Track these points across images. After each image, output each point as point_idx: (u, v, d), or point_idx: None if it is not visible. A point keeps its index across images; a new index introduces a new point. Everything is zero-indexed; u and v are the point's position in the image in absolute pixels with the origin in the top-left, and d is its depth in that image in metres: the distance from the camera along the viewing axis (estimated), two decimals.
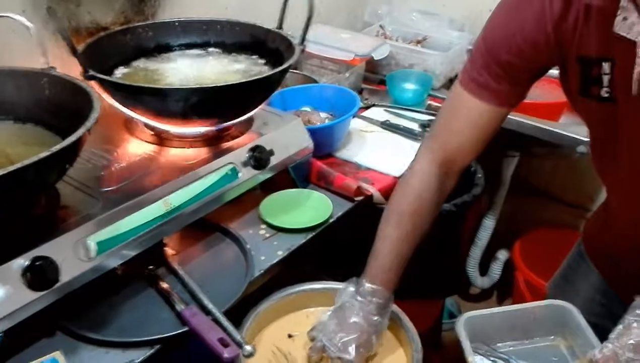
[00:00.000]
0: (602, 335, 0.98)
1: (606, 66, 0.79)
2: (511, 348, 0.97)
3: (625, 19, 0.73)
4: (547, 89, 1.86)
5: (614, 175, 0.94)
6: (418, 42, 1.92)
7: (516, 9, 0.86)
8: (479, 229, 2.08)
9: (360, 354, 0.92)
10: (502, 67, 0.88)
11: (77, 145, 0.81)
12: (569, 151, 1.62)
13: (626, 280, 1.00)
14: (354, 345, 0.91)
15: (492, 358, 0.94)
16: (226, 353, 0.84)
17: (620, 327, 0.79)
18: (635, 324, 0.77)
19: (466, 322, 0.95)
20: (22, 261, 0.80)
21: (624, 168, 0.88)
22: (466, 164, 0.99)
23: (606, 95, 0.81)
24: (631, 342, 0.76)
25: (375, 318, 0.94)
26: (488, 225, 2.06)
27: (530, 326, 0.98)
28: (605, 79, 0.80)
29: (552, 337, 0.99)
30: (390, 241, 0.97)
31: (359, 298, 0.95)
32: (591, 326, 1.04)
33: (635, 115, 0.79)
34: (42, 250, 0.82)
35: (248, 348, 0.87)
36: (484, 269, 2.18)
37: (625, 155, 0.86)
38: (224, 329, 0.89)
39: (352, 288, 0.97)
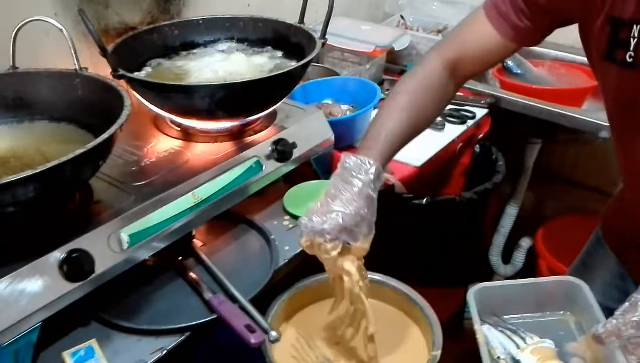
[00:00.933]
0: None
1: (636, 29, 0.79)
2: (520, 320, 0.98)
3: None
4: (569, 75, 1.86)
5: (630, 150, 0.94)
6: (439, 31, 1.93)
7: None
8: (501, 217, 2.08)
9: (362, 233, 0.87)
10: (527, 2, 0.90)
11: (109, 142, 0.85)
12: (592, 137, 1.63)
13: None
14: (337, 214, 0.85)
15: (500, 329, 0.94)
16: (253, 339, 0.88)
17: (626, 304, 0.80)
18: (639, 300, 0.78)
19: (477, 293, 0.96)
20: (59, 254, 0.84)
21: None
22: (468, 76, 1.02)
23: (630, 60, 0.80)
24: (635, 319, 0.77)
25: (374, 194, 0.88)
26: (511, 212, 2.07)
27: (540, 300, 0.99)
28: (633, 42, 0.79)
29: (562, 312, 0.99)
30: (394, 123, 0.95)
31: (355, 174, 0.87)
32: (609, 311, 1.05)
33: None
34: (78, 243, 0.87)
35: (274, 334, 0.90)
36: (506, 257, 2.19)
37: None
38: (251, 316, 0.93)
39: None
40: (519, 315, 0.99)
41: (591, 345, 0.84)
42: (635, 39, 0.79)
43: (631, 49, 0.80)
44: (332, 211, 0.85)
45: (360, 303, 0.92)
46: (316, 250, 0.88)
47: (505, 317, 0.97)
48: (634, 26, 0.79)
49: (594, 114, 1.64)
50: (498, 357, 0.90)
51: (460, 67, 1.00)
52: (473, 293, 0.96)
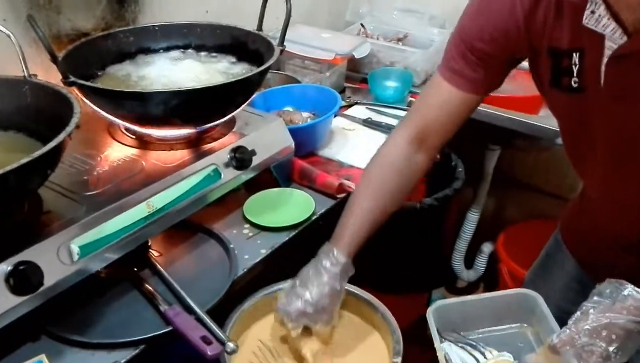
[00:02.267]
0: None
1: (576, 57, 0.81)
2: (480, 335, 0.99)
3: (593, 12, 0.75)
4: (525, 83, 1.89)
5: (587, 165, 0.96)
6: (399, 39, 1.94)
7: (489, 1, 0.89)
8: (463, 222, 2.10)
9: (322, 320, 0.97)
10: (476, 55, 0.92)
11: (57, 150, 0.82)
12: (549, 143, 1.65)
13: (601, 267, 1.02)
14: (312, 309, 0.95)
15: (460, 345, 0.95)
16: (209, 351, 0.86)
17: (578, 313, 0.82)
18: (592, 310, 0.79)
19: (436, 310, 0.97)
20: (5, 266, 0.81)
21: (595, 158, 0.90)
22: (438, 144, 1.03)
23: (575, 85, 0.83)
24: (587, 327, 0.78)
25: (338, 286, 0.97)
26: (472, 218, 2.09)
27: (499, 313, 1.00)
28: (575, 69, 0.82)
29: (520, 324, 1.01)
30: (361, 209, 1.00)
31: (323, 264, 0.97)
32: (567, 313, 1.07)
33: (603, 105, 0.82)
34: (25, 255, 0.84)
35: (231, 345, 0.88)
36: (469, 262, 2.21)
37: (597, 145, 0.88)
38: (207, 328, 0.91)
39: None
40: (479, 330, 1.00)
41: (549, 355, 0.85)
42: (577, 66, 0.82)
43: (574, 75, 0.82)
44: (298, 297, 0.95)
45: None
46: (284, 329, 0.99)
47: (465, 332, 0.99)
48: (573, 54, 0.81)
49: (550, 120, 1.66)
50: None
51: (429, 138, 1.01)
52: (432, 311, 0.97)
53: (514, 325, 1.01)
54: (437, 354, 0.92)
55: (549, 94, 0.91)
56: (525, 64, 1.92)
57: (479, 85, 0.95)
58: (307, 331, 0.99)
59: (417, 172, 1.04)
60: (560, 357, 0.82)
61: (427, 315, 0.97)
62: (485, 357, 0.92)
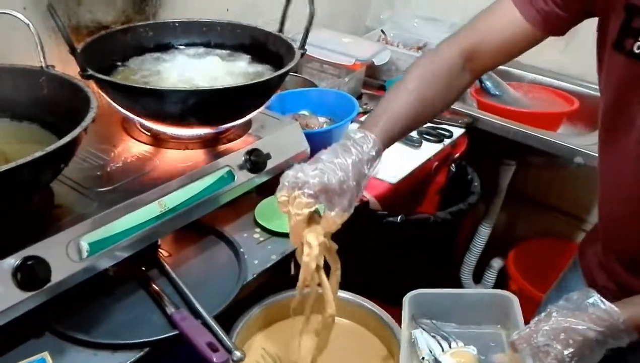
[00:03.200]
0: None
1: None
2: (456, 330, 1.00)
3: None
4: (546, 99, 1.87)
5: (617, 156, 0.92)
6: (419, 48, 1.92)
7: None
8: (474, 236, 2.08)
9: (340, 204, 0.83)
10: None
11: (72, 144, 0.80)
12: (566, 162, 1.63)
13: (612, 290, 1.00)
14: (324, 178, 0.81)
15: (432, 334, 0.96)
16: (215, 358, 0.84)
17: (542, 314, 0.81)
18: (555, 313, 0.78)
19: (414, 297, 0.99)
20: (13, 260, 0.79)
21: (629, 146, 0.86)
22: (481, 69, 0.98)
23: (637, 50, 0.79)
24: (546, 327, 0.77)
25: (365, 170, 0.85)
26: (483, 233, 2.06)
27: (476, 311, 1.01)
28: None
29: (496, 325, 1.01)
30: (400, 103, 0.92)
31: (354, 144, 0.85)
32: None
33: None
34: (34, 249, 0.82)
35: (238, 353, 0.86)
36: (477, 277, 2.18)
37: (635, 127, 0.84)
38: (214, 334, 0.89)
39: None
40: (455, 325, 1.01)
41: (515, 357, 0.84)
42: None
43: None
44: (322, 169, 0.81)
45: (318, 282, 0.89)
46: (290, 207, 0.83)
47: (441, 324, 1.00)
48: None
49: (569, 138, 1.65)
50: (423, 358, 0.94)
51: (479, 57, 0.95)
52: (409, 297, 0.99)
53: (489, 326, 1.01)
54: (402, 334, 0.94)
55: (608, 58, 0.86)
56: (545, 78, 1.90)
57: (547, 21, 0.90)
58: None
59: (459, 88, 0.98)
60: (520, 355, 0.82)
61: (403, 300, 0.98)
62: (450, 347, 0.94)
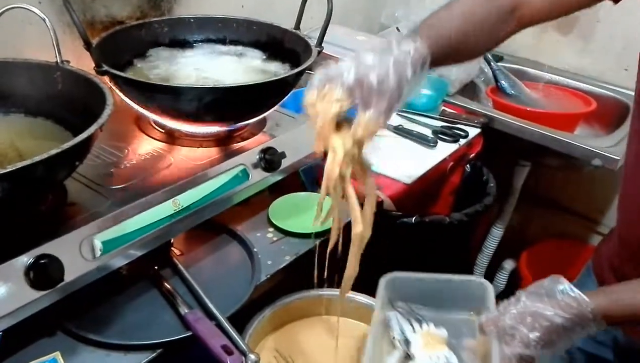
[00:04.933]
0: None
1: None
2: (430, 313, 0.99)
3: None
4: (563, 100, 1.84)
5: None
6: None
7: None
8: (486, 237, 2.06)
9: (377, 106, 0.72)
10: None
11: (88, 142, 0.79)
12: (583, 163, 1.60)
13: None
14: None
15: (407, 317, 0.96)
16: (230, 362, 0.82)
17: (512, 298, 0.80)
18: (524, 297, 0.77)
19: (390, 281, 0.98)
20: (26, 259, 0.78)
21: None
22: (529, 17, 0.88)
23: None
24: (514, 311, 0.76)
25: (409, 73, 0.73)
26: (496, 234, 2.04)
27: (453, 297, 1.00)
28: None
29: (470, 312, 1.00)
30: (448, 17, 0.83)
31: (398, 44, 0.74)
32: (592, 340, 1.04)
33: None
34: (47, 248, 0.81)
35: (253, 357, 0.85)
36: (489, 277, 2.16)
37: None
38: (228, 336, 0.88)
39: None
40: (431, 309, 1.00)
41: (484, 341, 0.83)
42: None
43: None
44: (361, 63, 0.72)
45: (343, 195, 0.79)
46: (318, 107, 0.73)
47: (417, 307, 0.99)
48: None
49: (586, 140, 1.62)
50: (394, 337, 0.93)
51: (522, 8, 0.86)
52: (385, 280, 0.98)
53: (464, 312, 1.00)
54: (373, 315, 0.92)
55: None
56: (562, 79, 1.87)
57: None
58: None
59: (502, 33, 0.88)
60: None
61: (379, 281, 0.97)
62: (421, 328, 0.93)
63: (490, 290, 0.96)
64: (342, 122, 0.73)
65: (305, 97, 0.74)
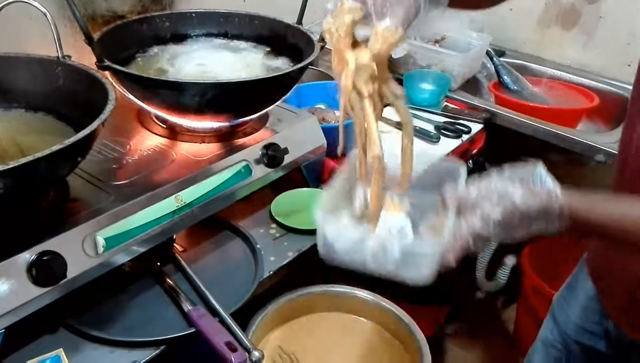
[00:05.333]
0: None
1: None
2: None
3: None
4: (565, 95, 1.83)
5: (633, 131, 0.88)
6: (436, 41, 1.88)
7: None
8: None
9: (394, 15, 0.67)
10: None
11: (90, 138, 0.78)
12: (586, 159, 1.59)
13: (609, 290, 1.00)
14: None
15: None
16: (234, 358, 0.82)
17: (483, 176, 0.75)
18: (496, 176, 0.73)
19: None
20: (28, 256, 0.78)
21: None
22: None
23: None
24: (482, 187, 0.72)
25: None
26: None
27: (424, 179, 0.90)
28: None
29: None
30: None
31: None
32: (589, 333, 1.05)
33: None
34: (50, 244, 0.80)
35: (256, 353, 0.85)
36: (490, 274, 2.15)
37: None
38: (232, 333, 0.87)
39: None
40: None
41: (445, 220, 0.78)
42: None
43: None
44: None
45: (359, 111, 0.75)
46: (332, 27, 0.70)
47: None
48: None
49: (589, 135, 1.61)
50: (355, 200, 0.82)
51: None
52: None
53: (433, 193, 0.89)
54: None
55: None
56: (565, 74, 1.86)
57: None
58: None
59: None
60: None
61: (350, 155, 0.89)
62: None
63: (463, 172, 0.87)
64: (361, 42, 0.70)
65: (323, 24, 0.72)
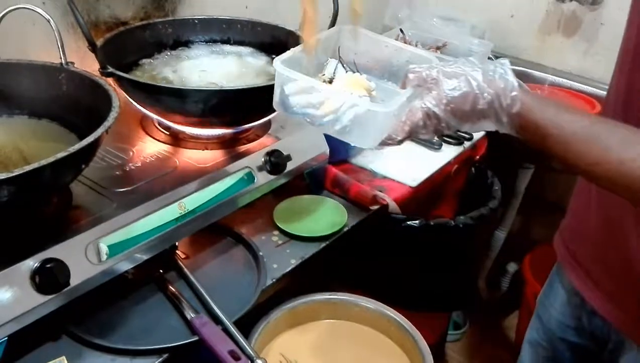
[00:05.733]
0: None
1: None
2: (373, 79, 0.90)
3: None
4: (567, 102, 1.84)
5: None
6: (438, 48, 1.88)
7: None
8: (490, 240, 2.05)
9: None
10: None
11: (94, 145, 0.78)
12: None
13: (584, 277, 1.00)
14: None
15: (346, 67, 0.88)
16: None
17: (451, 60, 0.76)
18: (461, 62, 0.74)
19: (345, 31, 0.90)
20: (32, 263, 0.77)
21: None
22: None
23: None
24: (444, 68, 0.73)
25: None
26: (499, 237, 2.03)
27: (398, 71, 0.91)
28: None
29: None
30: None
31: None
32: (568, 327, 1.06)
33: None
34: (53, 252, 0.80)
35: (259, 362, 0.84)
36: (491, 280, 2.15)
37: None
38: (235, 341, 0.87)
39: None
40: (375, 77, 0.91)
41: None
42: None
43: None
44: None
45: None
46: None
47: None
48: None
49: None
50: (323, 74, 0.86)
51: None
52: (342, 29, 0.90)
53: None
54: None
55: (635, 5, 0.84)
56: (566, 81, 1.86)
57: None
58: None
59: None
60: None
61: (334, 28, 0.90)
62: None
63: (434, 60, 0.85)
64: None
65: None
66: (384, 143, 0.76)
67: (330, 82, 0.84)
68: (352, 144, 0.77)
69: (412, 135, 0.74)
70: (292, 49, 0.82)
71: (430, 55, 0.90)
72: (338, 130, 0.75)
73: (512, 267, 2.11)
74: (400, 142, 0.75)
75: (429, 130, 0.73)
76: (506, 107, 0.70)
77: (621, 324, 0.94)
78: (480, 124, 0.73)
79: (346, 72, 0.86)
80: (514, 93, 0.70)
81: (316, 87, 0.77)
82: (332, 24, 1.13)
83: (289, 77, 0.77)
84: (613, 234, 0.90)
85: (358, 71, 0.88)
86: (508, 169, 1.87)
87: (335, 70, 0.86)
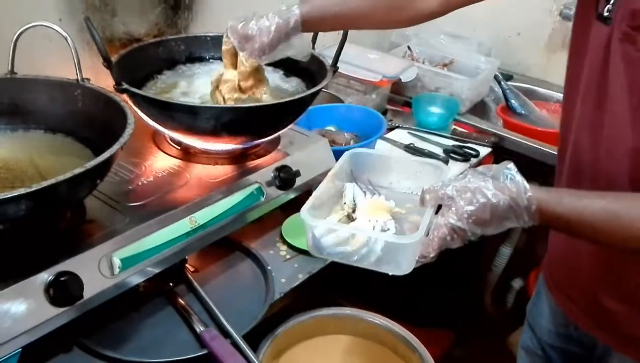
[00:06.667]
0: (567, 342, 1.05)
1: None
2: (386, 189, 0.97)
3: None
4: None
5: (571, 120, 0.92)
6: (445, 65, 1.91)
7: None
8: (495, 256, 2.05)
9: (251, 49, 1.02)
10: None
11: (110, 161, 0.80)
12: None
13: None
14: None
15: (364, 189, 0.94)
16: None
17: (459, 175, 0.80)
18: (470, 174, 0.77)
19: (354, 155, 0.97)
20: (46, 276, 0.79)
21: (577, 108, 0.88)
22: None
23: (607, 14, 0.80)
24: (456, 184, 0.76)
25: (284, 29, 0.99)
26: (504, 253, 2.03)
27: (411, 178, 0.98)
28: None
29: None
30: None
31: (278, 11, 1.00)
32: (556, 335, 1.08)
33: (619, 49, 0.78)
34: (67, 265, 0.81)
35: None
36: (497, 296, 2.15)
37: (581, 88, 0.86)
38: (244, 355, 0.88)
39: None
40: (391, 183, 0.98)
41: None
42: None
43: (611, 2, 0.80)
44: (245, 22, 1.00)
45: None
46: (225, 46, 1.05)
47: (376, 182, 0.97)
48: None
49: None
50: (344, 203, 0.92)
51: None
52: (349, 154, 0.97)
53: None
54: (326, 179, 0.91)
55: (580, 22, 0.88)
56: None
57: None
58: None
59: (418, 10, 1.02)
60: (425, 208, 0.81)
61: (342, 156, 0.96)
62: (372, 198, 0.92)
63: (444, 170, 0.94)
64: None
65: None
66: (419, 262, 0.79)
67: (354, 211, 0.90)
68: (390, 274, 0.80)
69: (442, 249, 0.77)
70: (313, 194, 0.87)
71: (438, 163, 0.99)
72: (374, 262, 0.79)
73: (517, 283, 2.11)
74: (433, 257, 0.78)
75: (457, 242, 0.77)
76: (525, 208, 0.74)
77: (607, 341, 0.96)
78: (503, 225, 0.76)
79: (365, 195, 0.92)
80: (528, 194, 0.74)
81: (342, 230, 0.82)
82: (342, 42, 1.15)
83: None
84: (609, 275, 0.92)
85: (376, 190, 0.94)
86: None
87: (353, 195, 0.92)
